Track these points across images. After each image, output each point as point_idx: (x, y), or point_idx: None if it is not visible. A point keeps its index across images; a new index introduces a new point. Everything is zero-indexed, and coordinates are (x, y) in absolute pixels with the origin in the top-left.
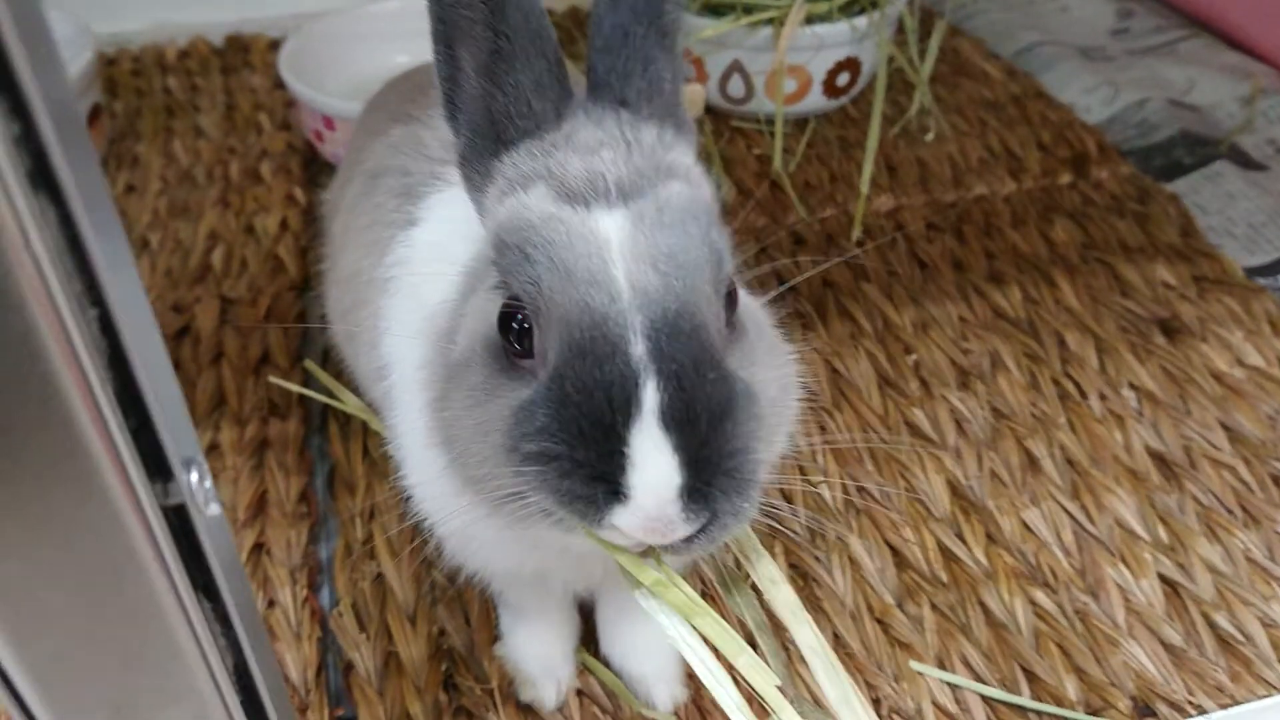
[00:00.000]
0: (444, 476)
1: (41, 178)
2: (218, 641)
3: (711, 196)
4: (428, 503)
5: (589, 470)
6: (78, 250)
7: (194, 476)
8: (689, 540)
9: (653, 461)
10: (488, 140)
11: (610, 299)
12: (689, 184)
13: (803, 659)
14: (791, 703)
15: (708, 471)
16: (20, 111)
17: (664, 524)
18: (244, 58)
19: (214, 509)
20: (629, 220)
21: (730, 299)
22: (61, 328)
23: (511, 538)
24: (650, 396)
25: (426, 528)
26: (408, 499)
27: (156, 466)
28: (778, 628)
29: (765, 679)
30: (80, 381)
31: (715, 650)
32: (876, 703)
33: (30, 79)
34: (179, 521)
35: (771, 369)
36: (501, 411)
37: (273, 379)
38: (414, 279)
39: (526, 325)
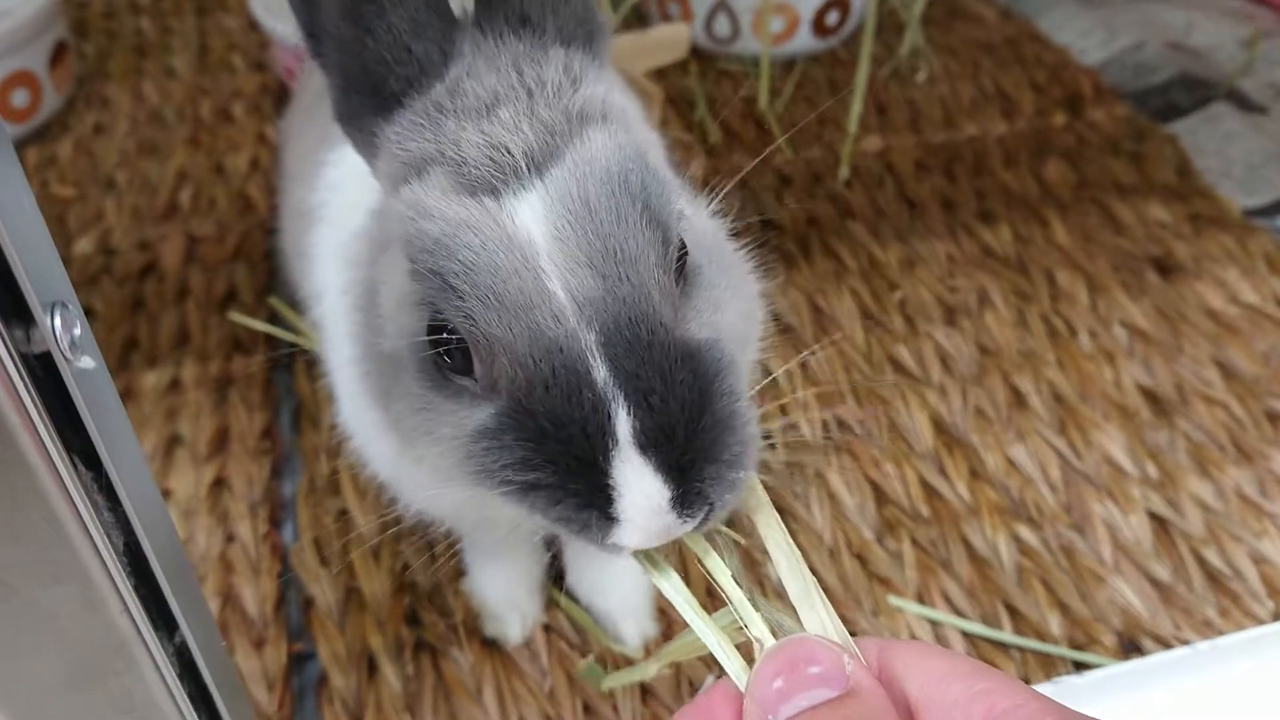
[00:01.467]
0: (376, 428)
1: None
2: (101, 515)
3: (641, 121)
4: (361, 446)
5: (579, 500)
6: None
7: (58, 321)
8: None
9: (637, 488)
10: (364, 95)
11: (555, 321)
12: (609, 126)
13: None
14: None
15: (694, 474)
16: None
17: (662, 533)
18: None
19: (87, 361)
20: (548, 207)
21: (680, 261)
22: None
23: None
24: (623, 424)
25: (367, 472)
26: (345, 438)
27: (16, 309)
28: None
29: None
30: None
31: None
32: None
33: None
34: (48, 374)
35: (732, 305)
36: (456, 432)
37: (234, 315)
38: (340, 203)
39: (461, 346)
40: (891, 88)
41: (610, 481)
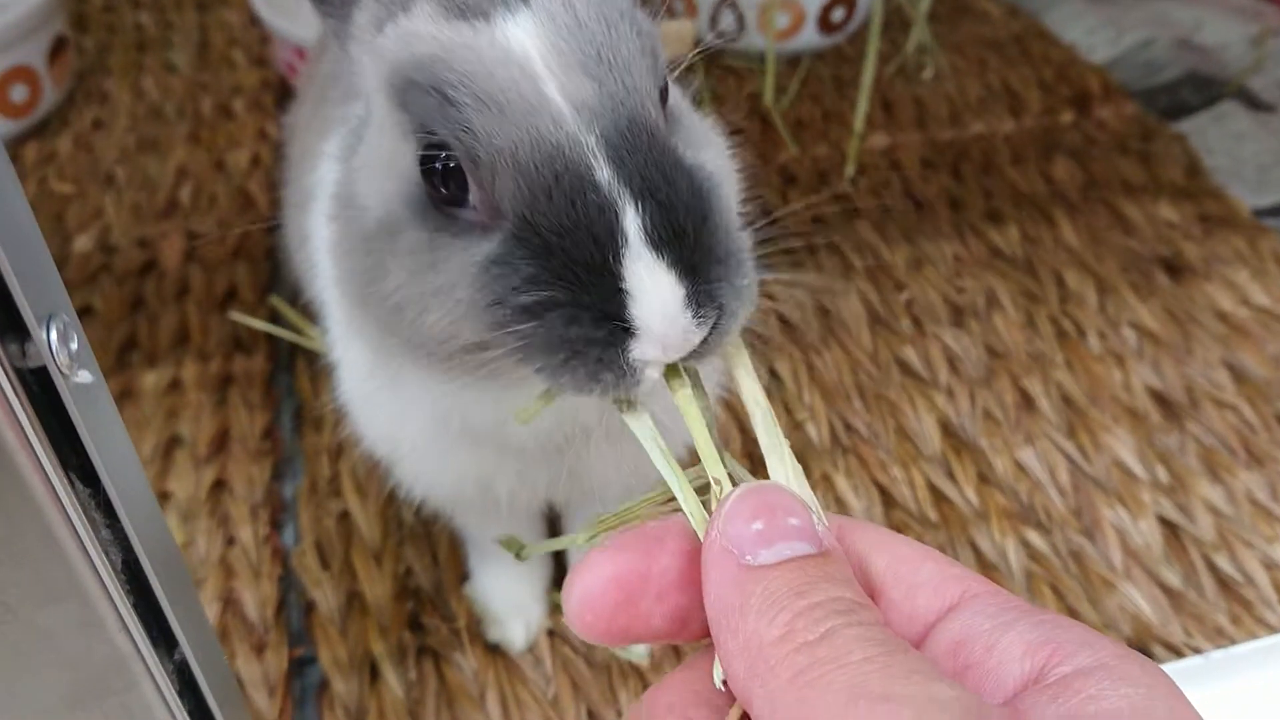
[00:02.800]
0: (370, 370)
1: None
2: (99, 533)
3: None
4: (359, 418)
5: (594, 312)
6: None
7: (54, 334)
8: (705, 340)
9: (652, 287)
10: None
11: (555, 125)
12: None
13: None
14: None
15: (704, 273)
16: None
17: (679, 338)
18: None
19: (84, 376)
20: (539, 23)
21: (664, 93)
22: None
23: (444, 442)
24: (632, 223)
25: (360, 452)
26: (344, 415)
27: (10, 323)
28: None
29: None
30: None
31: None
32: None
33: None
34: (43, 389)
35: (710, 147)
36: (463, 270)
37: (234, 315)
38: (333, 178)
39: (454, 165)
40: (898, 85)
41: (623, 285)
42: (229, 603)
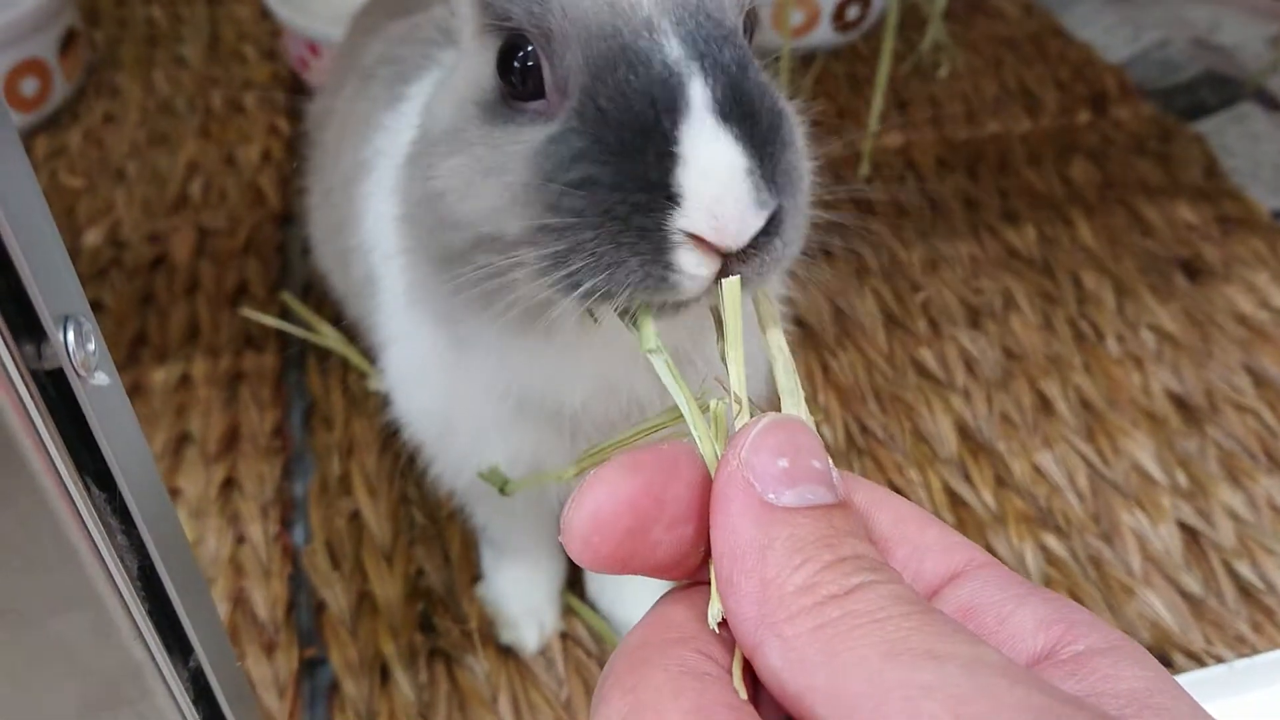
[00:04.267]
0: (428, 342)
1: None
2: (115, 538)
3: None
4: (407, 397)
5: (643, 180)
6: None
7: (71, 336)
8: (755, 251)
9: (711, 152)
10: None
11: (631, 6)
12: None
13: None
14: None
15: (771, 161)
16: None
17: (735, 213)
18: None
19: (101, 378)
20: None
21: (750, 23)
22: None
23: (500, 416)
24: (699, 92)
25: (406, 436)
26: (387, 398)
27: (26, 323)
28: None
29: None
30: None
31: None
32: None
33: None
34: (60, 392)
35: (789, 104)
36: (518, 152)
37: (246, 311)
38: (394, 151)
39: (531, 63)
40: (913, 83)
41: (677, 149)
42: (239, 602)
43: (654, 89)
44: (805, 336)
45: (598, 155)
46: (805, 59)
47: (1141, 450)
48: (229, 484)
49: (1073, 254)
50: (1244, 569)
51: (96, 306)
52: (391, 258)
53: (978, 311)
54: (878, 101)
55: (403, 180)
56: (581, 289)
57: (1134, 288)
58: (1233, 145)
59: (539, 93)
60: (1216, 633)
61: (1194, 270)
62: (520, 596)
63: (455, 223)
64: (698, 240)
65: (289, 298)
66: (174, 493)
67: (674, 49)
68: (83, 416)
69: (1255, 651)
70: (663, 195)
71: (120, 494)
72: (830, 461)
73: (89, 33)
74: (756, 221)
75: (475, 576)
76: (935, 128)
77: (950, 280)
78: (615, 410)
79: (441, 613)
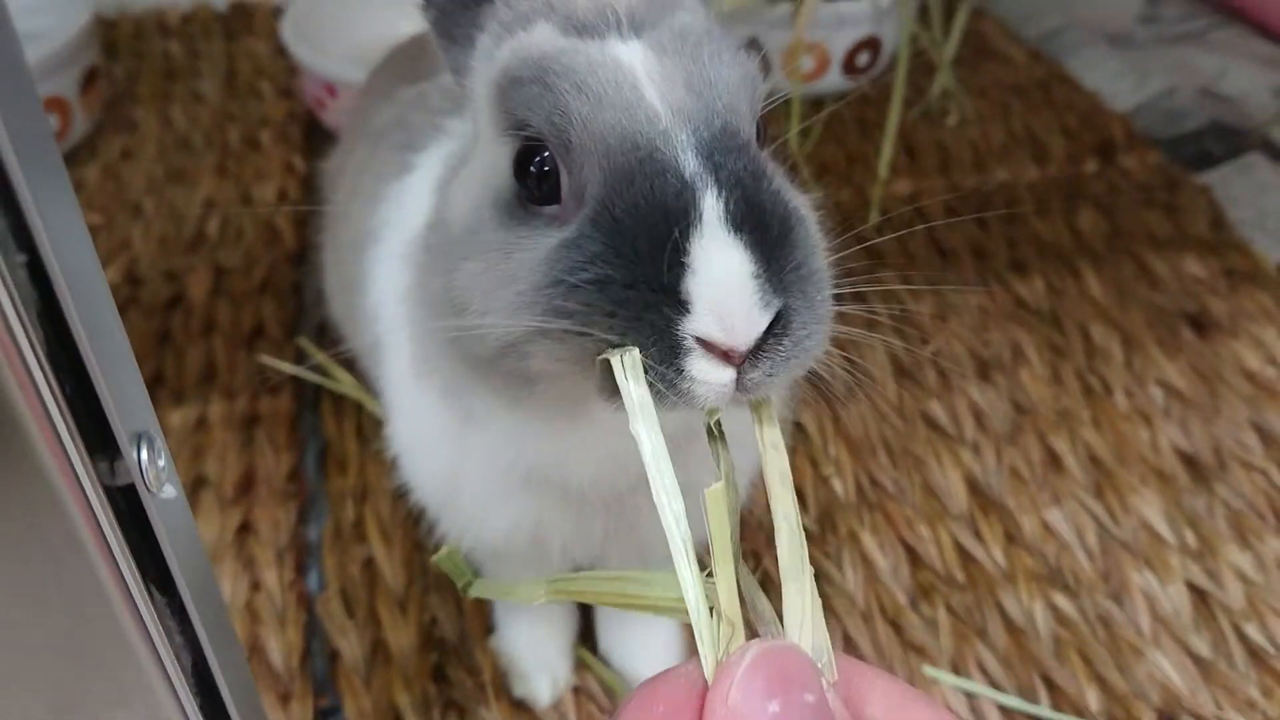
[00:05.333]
0: (434, 412)
1: None
2: (172, 639)
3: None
4: (413, 463)
5: (654, 284)
6: (1, 182)
7: (144, 454)
8: (766, 352)
9: (720, 261)
10: None
11: (649, 121)
12: (699, 16)
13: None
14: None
15: (778, 267)
16: None
17: (739, 309)
18: (247, 24)
19: (169, 491)
20: (649, 49)
21: (761, 130)
22: None
23: (506, 486)
24: (711, 205)
25: (413, 500)
26: (394, 463)
27: (101, 441)
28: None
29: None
30: (3, 338)
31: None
32: None
33: None
34: (128, 503)
35: (801, 200)
36: (533, 257)
37: (263, 358)
38: (399, 220)
39: (548, 168)
40: (921, 129)
41: (687, 260)
42: (254, 650)
43: (669, 202)
44: (815, 388)
45: (611, 259)
46: (814, 104)
47: (1150, 508)
48: (245, 528)
49: (1081, 306)
50: (1253, 631)
51: None
52: (397, 328)
53: (987, 364)
54: (887, 149)
55: (417, 266)
56: (597, 377)
57: (1142, 341)
58: (1239, 196)
59: (554, 198)
60: (1226, 696)
61: (1201, 325)
62: (533, 649)
63: (479, 336)
64: (707, 346)
65: (305, 342)
66: None
67: (690, 162)
68: (148, 525)
69: (1266, 717)
70: (673, 300)
71: (180, 597)
72: (828, 662)
73: (108, 67)
74: (762, 321)
75: (489, 627)
76: (944, 175)
77: (959, 331)
78: (624, 483)
79: (455, 663)
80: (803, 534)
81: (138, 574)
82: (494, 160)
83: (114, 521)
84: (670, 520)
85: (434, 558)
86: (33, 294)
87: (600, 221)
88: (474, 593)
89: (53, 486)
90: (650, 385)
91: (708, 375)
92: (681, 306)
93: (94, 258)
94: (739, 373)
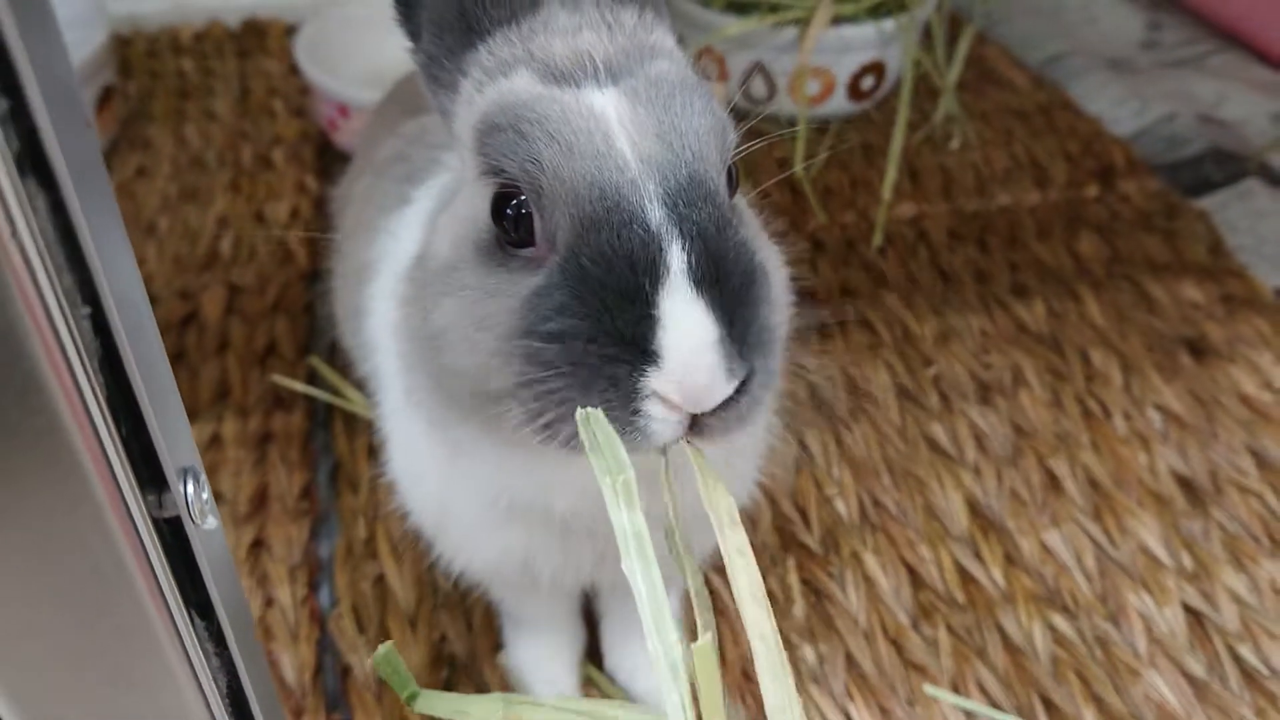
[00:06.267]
0: (424, 442)
1: (32, 160)
2: (210, 661)
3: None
4: (408, 490)
5: (617, 337)
6: (70, 241)
7: (190, 488)
8: (723, 411)
9: (687, 319)
10: (457, 34)
11: (618, 170)
12: (675, 64)
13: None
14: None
15: (741, 328)
16: (10, 87)
17: (704, 381)
18: (260, 42)
19: (211, 522)
20: (623, 97)
21: (731, 177)
22: (50, 326)
23: (493, 515)
24: (676, 258)
25: (409, 525)
26: (392, 487)
27: (150, 476)
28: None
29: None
30: (68, 385)
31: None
32: None
33: (20, 50)
34: (173, 533)
35: (766, 249)
36: (508, 303)
37: (276, 378)
38: (393, 255)
39: (525, 211)
40: (924, 154)
41: (655, 313)
42: (268, 665)
43: (635, 254)
44: (819, 409)
45: (576, 310)
46: (819, 127)
47: (1147, 531)
48: (258, 545)
49: (1081, 330)
50: (1247, 653)
51: None
52: (389, 359)
53: (988, 387)
54: (891, 173)
55: (403, 302)
56: (559, 437)
57: (1140, 366)
58: (1237, 222)
59: (529, 240)
60: (1220, 717)
61: (1199, 350)
62: (540, 666)
63: (454, 373)
64: (666, 400)
65: (317, 361)
66: None
67: (655, 212)
68: (190, 554)
69: None
70: (639, 351)
71: (218, 622)
72: None
73: (123, 84)
74: (726, 390)
75: (497, 644)
76: (947, 199)
77: (961, 354)
78: (604, 515)
79: (464, 680)
80: (784, 656)
81: (180, 600)
82: (475, 201)
83: (160, 550)
84: (657, 649)
85: (373, 657)
86: (95, 343)
87: (569, 269)
88: (420, 707)
89: (105, 518)
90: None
91: (664, 416)
92: (648, 358)
93: (148, 310)
94: (694, 419)
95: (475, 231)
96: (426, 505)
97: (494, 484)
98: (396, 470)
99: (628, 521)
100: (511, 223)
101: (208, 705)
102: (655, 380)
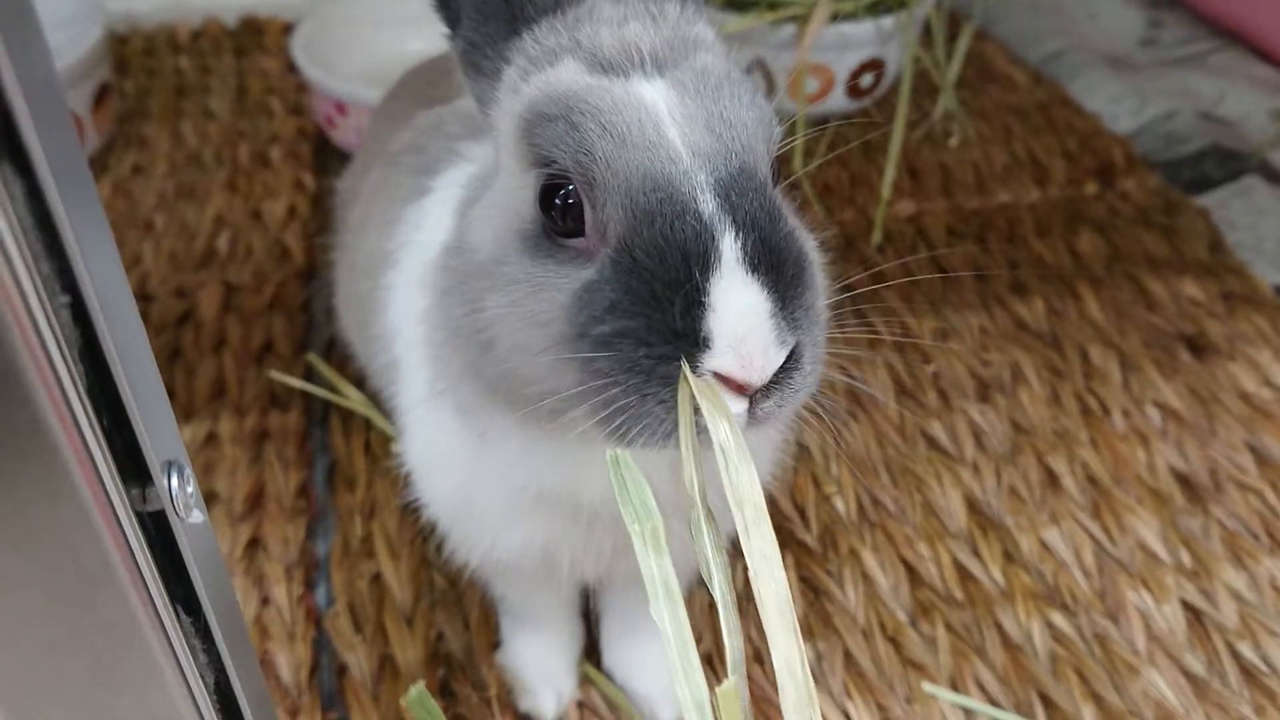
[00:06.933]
0: (450, 431)
1: (8, 146)
2: (197, 658)
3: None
4: (429, 481)
5: (669, 332)
6: (48, 229)
7: (174, 481)
8: (778, 388)
9: (739, 298)
10: (501, 21)
11: (670, 160)
12: (718, 57)
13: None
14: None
15: (793, 303)
16: None
17: (759, 349)
18: (257, 40)
19: (197, 516)
20: (671, 88)
21: (774, 171)
22: (27, 314)
23: (518, 504)
24: (729, 246)
25: (425, 516)
26: (407, 480)
27: (134, 469)
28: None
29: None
30: (47, 376)
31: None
32: None
33: None
34: (158, 528)
35: (810, 241)
36: (558, 298)
37: (273, 374)
38: (417, 244)
39: (573, 200)
40: (924, 151)
41: (706, 300)
42: (264, 665)
43: (688, 244)
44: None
45: (630, 307)
46: (818, 125)
47: (1146, 528)
48: (254, 544)
49: (1080, 327)
50: (1246, 650)
51: None
52: (414, 348)
53: (987, 384)
54: (890, 171)
55: (438, 291)
56: (628, 440)
57: (1139, 363)
58: (1237, 219)
59: (579, 230)
60: (1219, 714)
61: (1198, 346)
62: (538, 664)
63: (504, 371)
64: (724, 380)
65: (314, 359)
66: None
67: (709, 204)
68: (176, 549)
69: None
70: (690, 342)
71: (205, 617)
72: None
73: (119, 83)
74: (778, 357)
75: (495, 642)
76: (946, 196)
77: (960, 352)
78: None
79: (461, 678)
80: (812, 688)
81: (165, 596)
82: (518, 191)
83: (144, 545)
84: (685, 692)
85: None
86: (75, 333)
87: (621, 263)
88: None
89: (89, 512)
90: (667, 436)
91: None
92: (701, 344)
93: (130, 298)
94: (750, 403)
95: (519, 222)
96: (447, 495)
97: (522, 473)
98: (415, 460)
99: (656, 567)
100: (560, 213)
101: (195, 703)
102: (712, 360)
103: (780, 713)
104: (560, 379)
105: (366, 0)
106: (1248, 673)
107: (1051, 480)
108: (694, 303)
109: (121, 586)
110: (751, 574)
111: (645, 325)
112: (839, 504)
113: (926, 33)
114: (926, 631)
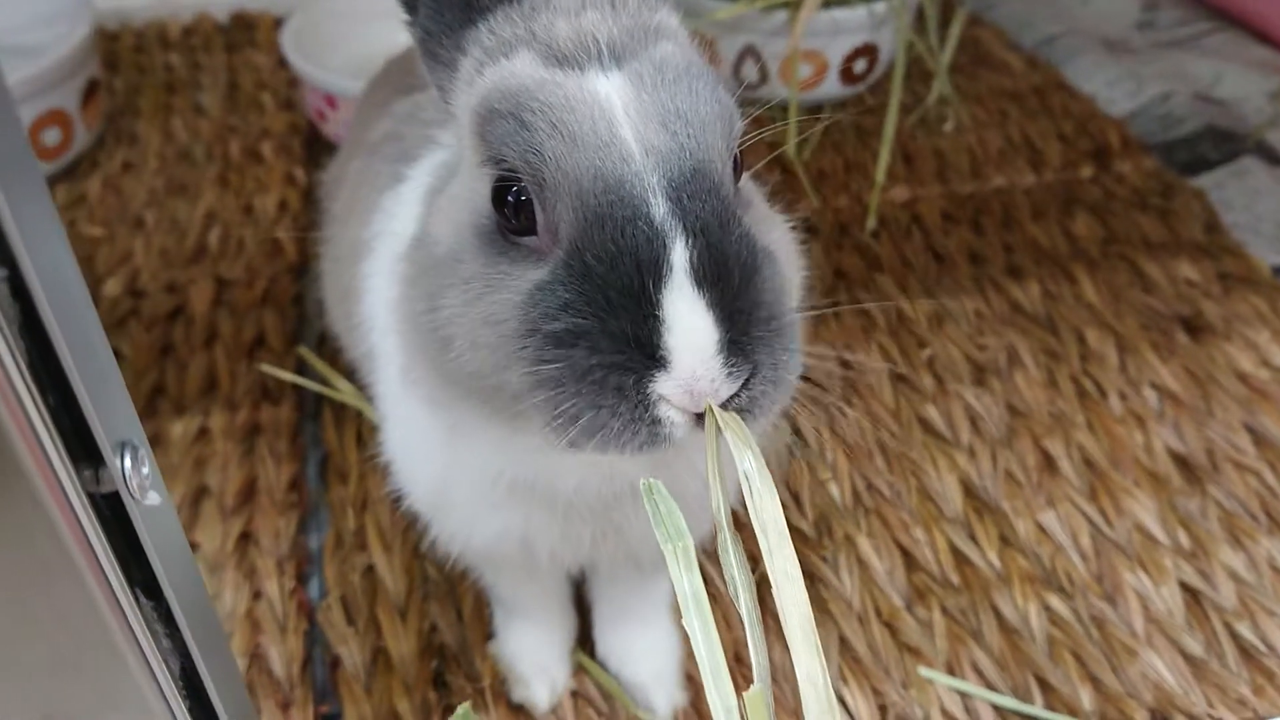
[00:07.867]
0: (423, 421)
1: None
2: (160, 643)
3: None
4: (405, 469)
5: (622, 340)
6: None
7: (128, 462)
8: (731, 402)
9: (689, 320)
10: (456, 9)
11: (622, 161)
12: (680, 46)
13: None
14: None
15: (743, 325)
16: None
17: (707, 382)
18: (248, 35)
19: (154, 498)
20: (628, 82)
21: (737, 163)
22: None
23: (494, 494)
24: (679, 255)
25: (405, 507)
26: (387, 470)
27: (84, 450)
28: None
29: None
30: None
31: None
32: (883, 710)
33: None
34: (114, 511)
35: (776, 231)
36: (512, 297)
37: (264, 367)
38: (392, 233)
39: (525, 198)
40: (918, 136)
41: (659, 313)
42: (255, 658)
43: (640, 251)
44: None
45: (582, 308)
46: (812, 111)
47: (1144, 510)
48: (245, 538)
49: (1076, 310)
50: (1245, 630)
51: (115, 356)
52: (388, 336)
53: (983, 368)
54: (884, 156)
55: (403, 281)
56: (578, 445)
57: (1136, 345)
58: (1233, 200)
59: (531, 229)
60: (1218, 695)
61: (1195, 328)
62: (531, 654)
63: (461, 368)
64: (673, 402)
65: (306, 352)
66: (192, 546)
67: (660, 207)
68: (133, 531)
69: (1256, 715)
70: (645, 355)
71: (167, 602)
72: None
73: (108, 79)
74: (729, 389)
75: (488, 633)
76: (941, 181)
77: (955, 336)
78: (610, 490)
79: (455, 669)
80: (833, 700)
81: (123, 579)
82: (475, 185)
83: (99, 528)
84: (715, 700)
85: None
86: (14, 307)
87: (574, 265)
88: None
89: (37, 494)
90: (624, 446)
91: (678, 417)
92: (655, 362)
93: (76, 271)
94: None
95: (476, 217)
96: (424, 486)
97: (494, 463)
98: (393, 450)
99: (687, 584)
100: (513, 210)
101: (161, 690)
102: (662, 385)
103: None
104: (514, 379)
105: None
106: (1246, 653)
107: (1048, 463)
108: (647, 315)
109: (77, 570)
110: (775, 593)
111: (599, 328)
112: (834, 489)
113: (920, 18)
114: (923, 616)
